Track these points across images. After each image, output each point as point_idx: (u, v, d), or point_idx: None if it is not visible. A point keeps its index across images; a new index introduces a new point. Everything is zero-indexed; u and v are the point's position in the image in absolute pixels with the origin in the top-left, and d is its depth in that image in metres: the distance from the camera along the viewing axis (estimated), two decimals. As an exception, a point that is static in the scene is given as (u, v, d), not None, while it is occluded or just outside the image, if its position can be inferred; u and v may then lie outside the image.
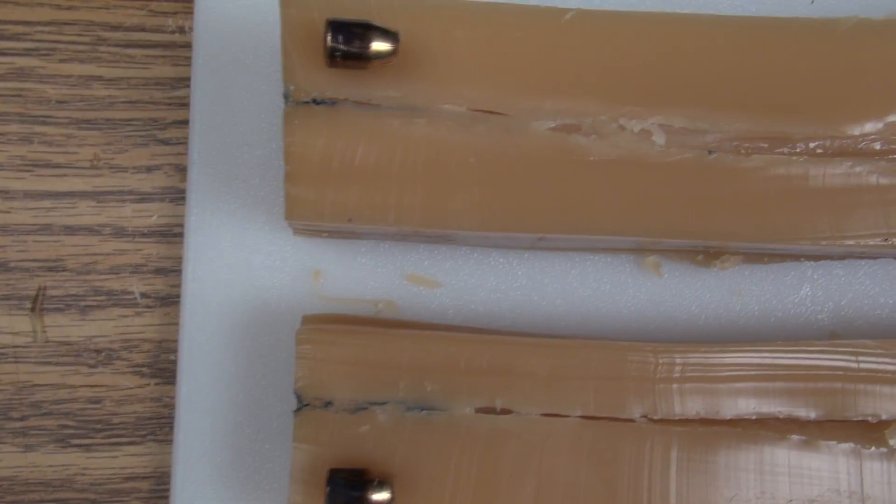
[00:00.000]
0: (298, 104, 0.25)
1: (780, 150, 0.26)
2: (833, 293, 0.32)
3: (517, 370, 0.27)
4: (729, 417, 0.28)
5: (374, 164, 0.25)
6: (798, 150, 0.26)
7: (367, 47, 0.24)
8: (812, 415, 0.28)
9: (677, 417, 0.27)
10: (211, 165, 0.31)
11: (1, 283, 0.32)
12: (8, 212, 0.32)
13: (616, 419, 0.27)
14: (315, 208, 0.25)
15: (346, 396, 0.27)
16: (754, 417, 0.28)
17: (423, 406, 0.27)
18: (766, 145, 0.26)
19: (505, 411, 0.27)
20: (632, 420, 0.27)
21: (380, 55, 0.24)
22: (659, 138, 0.26)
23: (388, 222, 0.25)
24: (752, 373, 0.28)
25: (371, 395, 0.27)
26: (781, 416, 0.28)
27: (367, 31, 0.24)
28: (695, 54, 0.26)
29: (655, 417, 0.27)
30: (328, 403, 0.27)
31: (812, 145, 0.26)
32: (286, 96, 0.25)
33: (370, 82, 0.25)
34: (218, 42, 0.32)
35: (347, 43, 0.24)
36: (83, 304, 0.32)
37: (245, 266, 0.31)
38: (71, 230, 0.32)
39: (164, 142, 0.33)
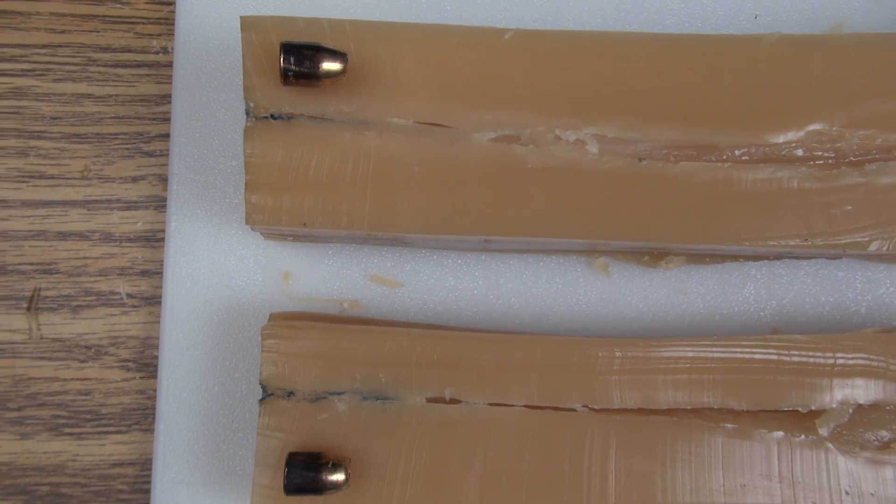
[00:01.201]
0: (258, 119, 0.27)
1: (708, 157, 0.28)
2: (776, 292, 0.34)
3: (465, 363, 0.29)
4: (665, 408, 0.30)
5: (326, 174, 0.27)
6: (725, 157, 0.28)
7: (318, 67, 0.26)
8: (745, 405, 0.30)
9: (616, 407, 0.29)
10: (189, 175, 0.34)
11: (0, 285, 0.35)
12: (6, 219, 0.35)
13: (558, 408, 0.29)
14: (273, 214, 0.27)
15: (307, 387, 0.29)
16: (689, 408, 0.30)
17: (378, 396, 0.29)
18: (693, 153, 0.28)
19: (454, 401, 0.29)
20: (573, 409, 0.29)
21: (330, 74, 0.26)
22: (592, 147, 0.28)
23: (340, 226, 0.27)
24: (688, 366, 0.30)
25: (330, 386, 0.29)
26: (716, 407, 0.30)
27: (316, 52, 0.26)
28: (626, 69, 0.28)
29: (595, 407, 0.29)
30: (290, 393, 0.29)
31: (738, 153, 0.28)
32: (247, 112, 0.27)
33: (323, 98, 0.27)
34: (196, 62, 0.34)
35: (299, 64, 0.26)
36: (74, 303, 0.35)
37: (220, 268, 0.33)
38: (63, 236, 0.35)
39: (149, 154, 0.36)
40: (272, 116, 0.27)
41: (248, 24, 0.27)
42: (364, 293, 0.33)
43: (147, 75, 0.36)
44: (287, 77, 0.26)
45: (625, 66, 0.28)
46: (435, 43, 0.28)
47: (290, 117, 0.27)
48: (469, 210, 0.28)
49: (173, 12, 0.36)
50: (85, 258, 0.35)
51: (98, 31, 0.36)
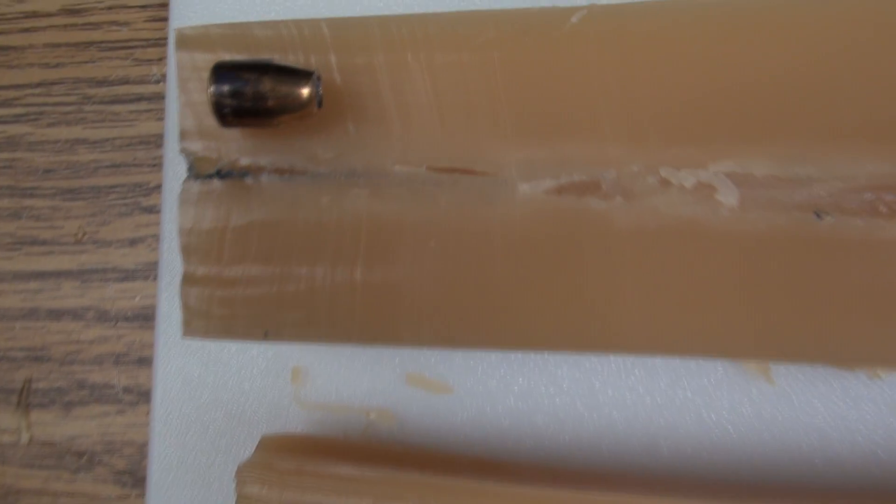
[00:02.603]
0: (200, 179, 0.19)
1: (957, 204, 0.15)
2: None
3: (527, 538, 0.19)
4: None
5: (297, 258, 0.18)
6: None
7: (267, 98, 0.17)
8: None
9: None
10: (185, 238, 0.26)
11: (-10, 375, 0.29)
12: (-2, 295, 0.30)
13: None
14: (221, 322, 0.18)
15: (298, 558, 0.20)
16: None
17: (395, 581, 0.19)
18: (926, 198, 0.15)
19: None
20: None
21: (294, 105, 0.17)
22: (728, 196, 0.16)
23: (317, 337, 0.18)
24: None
25: (328, 560, 0.20)
26: None
27: (263, 75, 0.17)
28: (785, 53, 0.16)
29: None
30: (274, 567, 0.20)
31: None
32: (189, 169, 0.19)
33: (290, 141, 0.18)
34: (190, 90, 0.26)
35: (238, 95, 0.17)
36: (66, 399, 0.28)
37: (217, 361, 0.25)
38: (56, 315, 0.29)
39: (148, 210, 0.29)
40: (219, 174, 0.18)
41: (186, 38, 0.19)
42: (399, 400, 0.24)
43: (147, 111, 0.29)
44: (224, 116, 0.17)
45: (784, 45, 0.16)
46: (458, 41, 0.18)
47: (244, 174, 0.18)
48: (517, 309, 0.17)
49: (173, 30, 0.29)
50: (78, 342, 0.29)
51: (94, 62, 0.30)
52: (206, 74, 0.18)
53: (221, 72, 0.17)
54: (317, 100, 0.17)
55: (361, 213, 0.18)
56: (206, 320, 0.18)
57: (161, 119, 0.29)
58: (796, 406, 0.21)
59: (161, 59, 0.29)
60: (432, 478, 0.20)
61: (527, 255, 0.17)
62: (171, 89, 0.27)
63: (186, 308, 0.18)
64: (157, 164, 0.29)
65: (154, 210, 0.29)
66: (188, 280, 0.18)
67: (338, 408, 0.24)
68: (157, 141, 0.29)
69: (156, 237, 0.28)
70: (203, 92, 0.18)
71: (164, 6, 0.30)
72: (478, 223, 0.17)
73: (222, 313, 0.18)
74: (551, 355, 0.23)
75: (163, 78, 0.29)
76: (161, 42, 0.29)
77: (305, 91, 0.17)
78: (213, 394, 0.25)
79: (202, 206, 0.18)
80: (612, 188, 0.17)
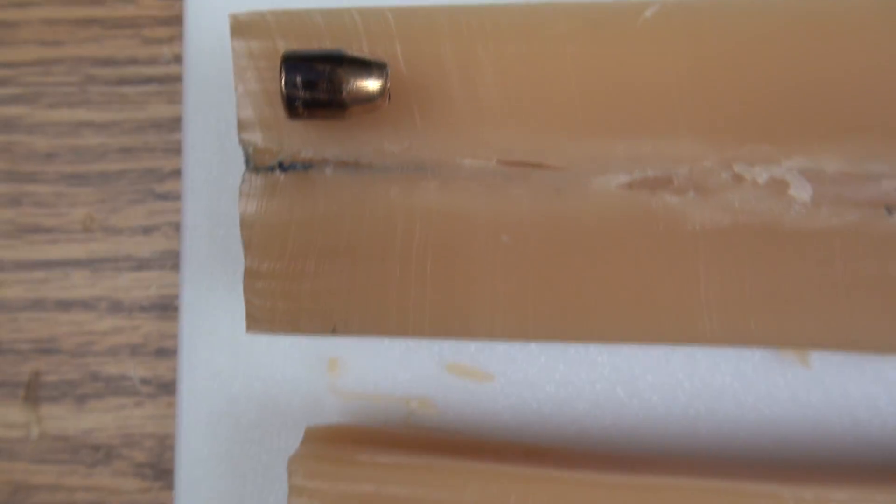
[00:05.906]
0: (260, 172, 0.18)
1: None
2: None
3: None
4: None
5: (365, 251, 0.18)
6: None
7: (341, 90, 0.16)
8: None
9: None
10: (207, 226, 0.25)
11: (-5, 368, 0.28)
12: None
13: None
14: (286, 317, 0.18)
15: (354, 550, 0.20)
16: None
17: (456, 568, 0.20)
18: None
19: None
20: None
21: (365, 97, 0.17)
22: (801, 191, 0.17)
23: (388, 331, 0.18)
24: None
25: (385, 550, 0.20)
26: None
27: (337, 66, 0.16)
28: (859, 49, 0.16)
29: None
30: (330, 559, 0.20)
31: None
32: (246, 161, 0.18)
33: (356, 134, 0.18)
34: (210, 73, 0.25)
35: (311, 87, 0.16)
36: (79, 391, 0.28)
37: (247, 353, 0.25)
38: (64, 305, 0.28)
39: (163, 196, 0.28)
40: (280, 166, 0.18)
41: (241, 25, 0.18)
42: (439, 388, 0.24)
43: (157, 93, 0.28)
44: (294, 108, 0.16)
45: (856, 42, 0.16)
46: (529, 33, 0.17)
47: (307, 166, 0.18)
48: (590, 303, 0.17)
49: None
50: (90, 333, 0.28)
51: (98, 40, 0.28)
52: (262, 63, 0.18)
53: (293, 62, 0.16)
54: (387, 93, 0.17)
55: (432, 207, 0.18)
56: (270, 318, 0.18)
57: (174, 102, 0.28)
58: (833, 391, 0.22)
59: (172, 39, 0.28)
60: (483, 464, 0.20)
61: (599, 249, 0.17)
62: (189, 71, 0.25)
63: (250, 303, 0.18)
64: (170, 150, 0.28)
65: (169, 197, 0.28)
66: (251, 275, 0.18)
67: (377, 397, 0.24)
68: (170, 125, 0.28)
69: (171, 225, 0.28)
70: (260, 81, 0.18)
71: (175, -18, 0.29)
72: (549, 217, 0.17)
73: (288, 308, 0.18)
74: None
75: (175, 59, 0.28)
76: (173, 21, 0.28)
77: (377, 84, 0.17)
78: (243, 385, 0.25)
79: (264, 199, 0.18)
80: (684, 183, 0.17)
